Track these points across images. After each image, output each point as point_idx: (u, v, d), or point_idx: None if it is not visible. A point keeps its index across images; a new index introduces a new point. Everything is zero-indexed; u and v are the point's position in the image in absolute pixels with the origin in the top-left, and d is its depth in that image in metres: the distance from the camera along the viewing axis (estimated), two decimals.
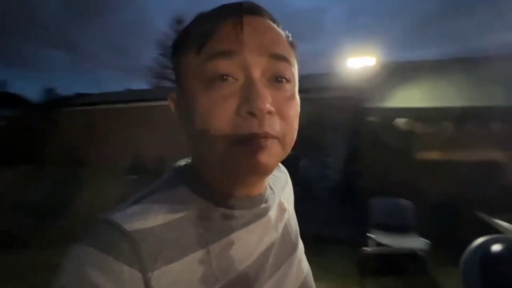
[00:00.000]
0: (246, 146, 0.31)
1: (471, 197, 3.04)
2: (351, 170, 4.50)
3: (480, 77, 3.65)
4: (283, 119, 0.33)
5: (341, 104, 5.46)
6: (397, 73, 4.02)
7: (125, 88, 14.01)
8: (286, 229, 0.46)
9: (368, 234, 2.96)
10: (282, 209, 0.46)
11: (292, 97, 0.35)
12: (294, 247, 0.46)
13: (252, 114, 0.30)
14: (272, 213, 0.42)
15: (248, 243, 0.38)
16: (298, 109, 0.37)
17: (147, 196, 0.35)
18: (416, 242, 2.75)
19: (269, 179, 0.46)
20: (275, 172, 0.52)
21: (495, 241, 0.59)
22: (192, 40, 0.33)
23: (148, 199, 0.35)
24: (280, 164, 0.56)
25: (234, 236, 0.36)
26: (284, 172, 0.56)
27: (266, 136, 0.31)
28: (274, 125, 0.32)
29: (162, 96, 8.47)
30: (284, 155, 0.36)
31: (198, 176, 0.38)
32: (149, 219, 0.32)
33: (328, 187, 5.54)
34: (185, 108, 0.35)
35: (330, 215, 4.51)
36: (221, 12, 0.33)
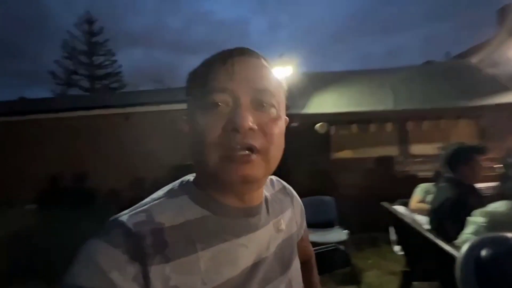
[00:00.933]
0: (233, 160, 0.38)
1: (375, 187, 3.55)
2: (281, 173, 4.72)
3: (376, 85, 4.36)
4: (266, 135, 0.40)
5: None
6: (314, 82, 4.46)
7: (19, 96, 11.50)
8: (280, 248, 0.49)
9: None
10: (278, 229, 0.50)
11: (276, 118, 0.42)
12: (287, 267, 0.49)
13: (236, 130, 0.37)
14: (265, 231, 0.47)
15: (238, 255, 0.42)
16: (283, 129, 0.44)
17: (152, 203, 0.42)
18: (339, 235, 3.01)
19: (270, 201, 0.52)
20: (279, 195, 0.57)
21: (490, 241, 0.60)
22: (198, 78, 0.43)
23: (153, 204, 0.42)
24: (287, 186, 0.62)
25: (224, 245, 0.41)
26: (291, 196, 0.61)
27: (250, 148, 0.38)
28: (256, 139, 0.39)
29: (70, 105, 7.25)
30: (270, 169, 0.42)
31: (199, 187, 0.44)
32: (151, 222, 0.38)
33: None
34: (190, 127, 0.43)
35: None
36: (218, 56, 0.43)
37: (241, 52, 0.43)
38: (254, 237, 0.44)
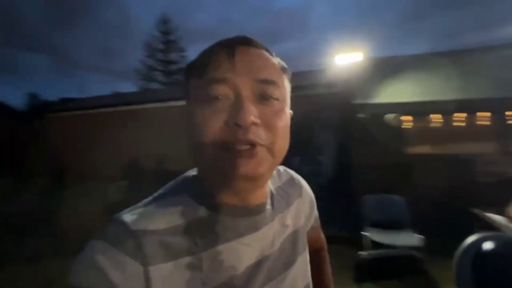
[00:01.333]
0: (235, 155, 0.35)
1: (463, 191, 3.04)
2: (343, 167, 4.47)
3: (467, 69, 3.67)
4: (270, 129, 0.38)
5: (330, 101, 5.43)
6: (384, 68, 4.00)
7: (113, 91, 13.65)
8: (285, 244, 0.47)
9: (362, 232, 2.94)
10: (283, 225, 0.48)
11: (280, 111, 0.40)
12: (291, 263, 0.48)
13: (238, 125, 0.35)
14: (270, 228, 0.45)
15: (241, 254, 0.41)
16: (288, 121, 0.41)
17: (153, 202, 0.41)
18: (411, 238, 2.72)
19: (276, 195, 0.50)
20: (285, 188, 0.54)
21: (488, 239, 0.59)
22: (197, 69, 0.40)
23: (154, 204, 0.40)
24: (295, 177, 0.59)
25: (227, 246, 0.40)
26: (299, 187, 0.57)
27: (253, 143, 0.36)
28: (259, 134, 0.36)
29: (150, 98, 8.26)
30: (275, 163, 0.40)
31: (201, 185, 0.42)
32: (152, 222, 0.37)
33: (320, 185, 5.51)
34: (189, 122, 0.40)
35: (323, 213, 4.45)
36: (218, 46, 0.40)
37: (242, 41, 0.40)
38: (258, 236, 0.43)
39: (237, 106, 0.36)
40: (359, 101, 3.44)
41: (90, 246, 0.35)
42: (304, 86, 6.16)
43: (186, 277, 0.37)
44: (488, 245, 0.56)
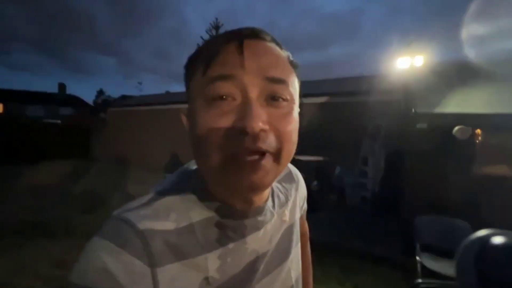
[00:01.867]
0: (241, 165, 0.33)
1: None
2: (393, 181, 4.07)
3: None
4: (279, 134, 0.35)
5: (384, 108, 5.02)
6: (453, 73, 3.54)
7: (165, 90, 14.72)
8: (282, 239, 0.48)
9: (414, 256, 2.61)
10: (282, 221, 0.48)
11: (289, 113, 0.37)
12: (286, 256, 0.48)
13: (245, 132, 0.32)
14: (269, 225, 0.45)
15: (242, 253, 0.41)
16: (296, 125, 0.38)
17: (157, 199, 0.39)
18: None
19: (276, 191, 0.50)
20: (284, 183, 0.54)
21: (491, 236, 0.58)
22: (199, 64, 0.37)
23: (158, 202, 0.39)
24: (293, 170, 0.58)
25: (231, 246, 0.40)
26: (296, 180, 0.57)
27: (261, 152, 0.33)
28: (268, 141, 0.34)
29: None
30: (280, 170, 0.37)
31: (203, 184, 0.41)
32: (158, 222, 0.36)
33: (366, 198, 5.11)
34: (191, 123, 0.38)
35: (367, 230, 4.13)
36: (224, 38, 0.36)
37: (252, 33, 0.36)
38: (259, 234, 0.43)
39: (245, 109, 0.33)
40: (420, 110, 3.09)
41: (95, 246, 0.33)
42: (358, 91, 5.81)
43: (192, 278, 0.37)
44: (490, 242, 0.56)
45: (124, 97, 14.09)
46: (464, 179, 2.96)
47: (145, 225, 0.35)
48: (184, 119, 0.42)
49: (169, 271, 0.35)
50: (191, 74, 0.39)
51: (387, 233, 3.89)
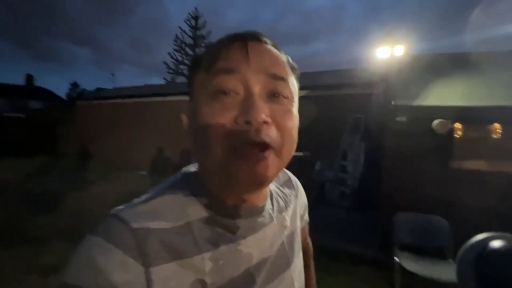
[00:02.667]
0: (243, 158, 0.34)
1: None
2: (373, 176, 3.97)
3: None
4: (280, 130, 0.36)
5: (364, 101, 4.90)
6: (433, 66, 3.43)
7: (144, 83, 14.02)
8: (283, 245, 0.47)
9: (391, 255, 2.49)
10: (282, 226, 0.48)
11: (290, 110, 0.38)
12: (288, 264, 0.47)
13: (249, 123, 0.34)
14: (269, 229, 0.45)
15: (241, 256, 0.40)
16: (296, 122, 0.39)
17: (155, 198, 0.39)
18: (453, 271, 2.23)
19: (275, 196, 0.50)
20: (284, 189, 0.54)
21: (491, 240, 0.57)
22: (204, 62, 0.39)
23: (155, 200, 0.39)
24: (292, 177, 0.59)
25: (229, 247, 0.39)
26: (295, 187, 0.58)
27: (264, 144, 0.34)
28: (271, 134, 0.35)
29: (176, 91, 8.22)
30: (282, 166, 0.38)
31: (202, 183, 0.41)
32: (154, 221, 0.36)
33: (344, 194, 5.02)
34: (192, 119, 0.39)
35: (345, 226, 4.04)
36: (229, 38, 0.38)
37: (255, 36, 0.39)
38: (259, 237, 0.43)
39: (248, 102, 0.35)
40: (399, 102, 2.95)
41: (88, 244, 0.33)
42: (337, 85, 5.68)
43: (188, 279, 0.36)
44: (491, 245, 0.55)
45: (99, 90, 13.27)
46: (443, 174, 2.87)
47: (140, 223, 0.35)
48: (184, 118, 0.43)
49: (163, 271, 0.34)
50: (194, 72, 0.40)
51: (365, 230, 3.81)
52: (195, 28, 21.57)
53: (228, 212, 0.40)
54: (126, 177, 6.73)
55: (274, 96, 0.37)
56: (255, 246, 0.42)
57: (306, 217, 0.62)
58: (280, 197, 0.51)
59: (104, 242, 0.33)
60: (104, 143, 8.86)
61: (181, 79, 21.21)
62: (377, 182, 3.41)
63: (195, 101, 0.38)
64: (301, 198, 0.58)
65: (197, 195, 0.40)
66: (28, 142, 10.07)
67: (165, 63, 21.58)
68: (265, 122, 0.34)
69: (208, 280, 0.37)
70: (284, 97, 0.38)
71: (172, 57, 21.45)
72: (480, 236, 0.60)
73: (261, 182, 0.36)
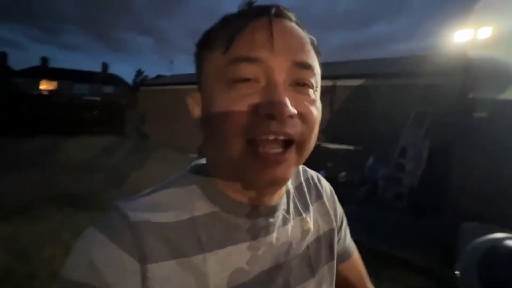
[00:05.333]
0: (263, 158, 0.31)
1: None
2: (436, 178, 3.52)
3: None
4: (305, 122, 0.33)
5: (431, 93, 4.32)
6: None
7: None
8: (306, 251, 0.43)
9: (454, 270, 2.21)
10: (304, 230, 0.43)
11: (314, 101, 0.35)
12: (312, 273, 0.43)
13: (271, 116, 0.30)
14: (284, 231, 0.41)
15: (251, 259, 0.37)
16: (320, 114, 0.36)
17: (160, 190, 0.37)
18: None
19: (293, 195, 0.45)
20: (306, 187, 0.49)
21: (496, 241, 0.55)
22: (219, 41, 0.34)
23: (160, 193, 0.37)
24: (318, 179, 0.52)
25: (235, 248, 0.36)
26: (322, 188, 0.51)
27: (287, 139, 0.32)
28: (295, 128, 0.32)
29: None
30: (300, 162, 0.36)
31: (210, 178, 0.38)
32: (156, 214, 0.34)
33: (401, 194, 4.60)
34: (205, 107, 0.36)
35: (399, 230, 3.71)
36: (249, 15, 0.33)
37: (280, 12, 0.34)
38: (270, 239, 0.39)
39: (271, 92, 0.31)
40: (478, 95, 2.50)
41: (87, 237, 0.32)
42: (399, 73, 5.11)
43: (188, 279, 0.33)
44: (495, 247, 0.53)
45: (158, 77, 14.44)
46: None
47: (139, 216, 0.33)
48: (191, 103, 0.39)
49: (162, 269, 0.32)
50: (206, 52, 0.36)
51: (422, 237, 3.44)
52: None
53: (236, 209, 0.37)
54: (179, 159, 7.25)
55: (298, 85, 0.33)
56: (267, 249, 0.38)
57: (345, 226, 0.54)
58: (300, 196, 0.47)
59: (101, 235, 0.31)
60: (162, 126, 9.67)
61: None
62: (441, 185, 3.02)
63: (208, 88, 0.34)
64: (331, 201, 0.51)
65: (204, 190, 0.37)
66: (100, 123, 11.57)
67: None
68: (290, 116, 0.31)
69: (211, 284, 0.33)
70: (309, 87, 0.34)
71: None
72: (484, 238, 0.57)
73: (279, 184, 0.33)
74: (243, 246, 0.36)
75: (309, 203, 0.47)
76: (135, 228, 0.32)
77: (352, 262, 0.55)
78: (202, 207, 0.36)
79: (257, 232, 0.38)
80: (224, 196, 0.37)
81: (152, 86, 11.11)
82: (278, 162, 0.31)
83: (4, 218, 3.26)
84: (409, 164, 4.66)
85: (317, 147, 0.30)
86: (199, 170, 0.40)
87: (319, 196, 0.50)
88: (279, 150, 0.31)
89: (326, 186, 0.53)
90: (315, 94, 0.36)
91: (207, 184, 0.38)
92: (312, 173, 0.53)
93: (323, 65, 0.38)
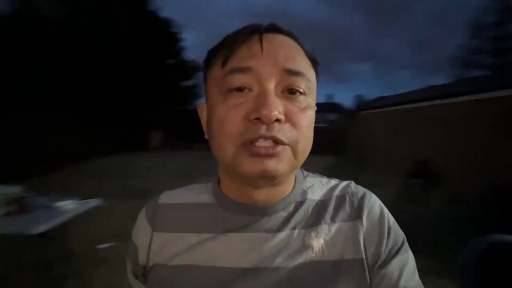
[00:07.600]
0: (253, 153, 0.34)
1: None
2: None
3: None
4: (295, 127, 0.35)
5: None
6: None
7: (426, 85, 12.86)
8: (304, 268, 0.38)
9: None
10: (304, 245, 0.40)
11: (306, 108, 0.37)
12: None
13: (260, 120, 0.33)
14: (275, 237, 0.39)
15: (226, 250, 0.39)
16: (312, 120, 0.38)
17: (193, 184, 0.50)
18: None
19: (309, 206, 0.43)
20: (333, 204, 0.43)
21: (494, 240, 0.52)
22: (218, 57, 0.38)
23: (190, 186, 0.50)
24: (360, 196, 0.45)
25: (215, 236, 0.41)
26: (359, 208, 0.43)
27: (275, 141, 0.34)
28: (284, 132, 0.34)
29: (466, 89, 6.66)
30: (297, 164, 0.37)
31: (219, 177, 0.46)
32: (175, 199, 0.47)
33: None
34: (208, 116, 0.40)
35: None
36: (243, 32, 0.37)
37: (270, 28, 0.37)
38: (253, 238, 0.39)
39: (261, 99, 0.34)
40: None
41: (142, 210, 0.49)
42: None
43: (176, 250, 0.41)
44: (493, 246, 0.51)
45: (378, 99, 14.35)
46: None
47: (164, 200, 0.47)
48: (201, 113, 0.44)
49: (161, 237, 0.43)
50: (209, 68, 0.40)
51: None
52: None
53: (227, 204, 0.42)
54: (393, 183, 6.64)
55: (290, 92, 0.35)
56: (248, 248, 0.39)
57: (401, 265, 0.39)
58: (321, 209, 0.42)
59: (143, 209, 0.48)
60: (380, 149, 9.40)
61: (473, 73, 16.47)
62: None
63: (210, 98, 0.39)
64: (368, 224, 0.41)
65: (213, 186, 0.46)
66: (324, 146, 13.26)
67: (451, 59, 17.93)
68: (277, 120, 0.33)
69: (193, 257, 0.40)
70: (301, 93, 0.36)
71: (464, 48, 17.33)
72: (483, 237, 0.51)
73: (271, 177, 0.34)
74: (221, 236, 0.40)
75: (329, 220, 0.41)
76: (157, 207, 0.46)
77: None
78: (205, 199, 0.45)
79: (237, 227, 0.40)
80: (219, 191, 0.44)
81: (373, 109, 11.23)
82: (269, 155, 0.33)
83: None
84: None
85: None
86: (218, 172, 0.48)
87: (352, 217, 0.42)
88: (270, 144, 0.34)
89: (373, 209, 0.43)
90: (308, 101, 0.37)
91: (216, 184, 0.46)
92: (359, 191, 0.46)
93: None
